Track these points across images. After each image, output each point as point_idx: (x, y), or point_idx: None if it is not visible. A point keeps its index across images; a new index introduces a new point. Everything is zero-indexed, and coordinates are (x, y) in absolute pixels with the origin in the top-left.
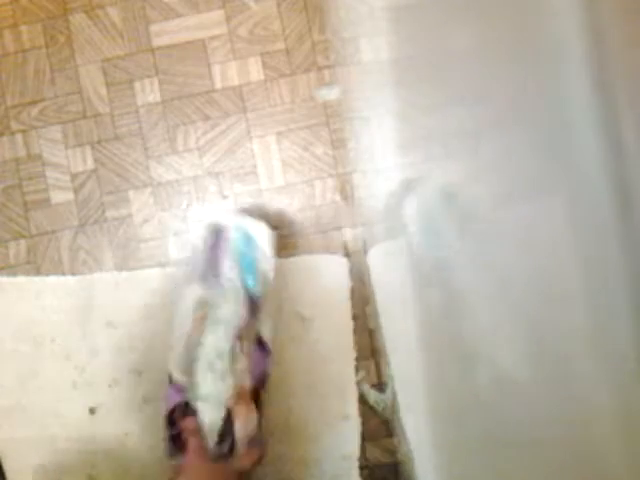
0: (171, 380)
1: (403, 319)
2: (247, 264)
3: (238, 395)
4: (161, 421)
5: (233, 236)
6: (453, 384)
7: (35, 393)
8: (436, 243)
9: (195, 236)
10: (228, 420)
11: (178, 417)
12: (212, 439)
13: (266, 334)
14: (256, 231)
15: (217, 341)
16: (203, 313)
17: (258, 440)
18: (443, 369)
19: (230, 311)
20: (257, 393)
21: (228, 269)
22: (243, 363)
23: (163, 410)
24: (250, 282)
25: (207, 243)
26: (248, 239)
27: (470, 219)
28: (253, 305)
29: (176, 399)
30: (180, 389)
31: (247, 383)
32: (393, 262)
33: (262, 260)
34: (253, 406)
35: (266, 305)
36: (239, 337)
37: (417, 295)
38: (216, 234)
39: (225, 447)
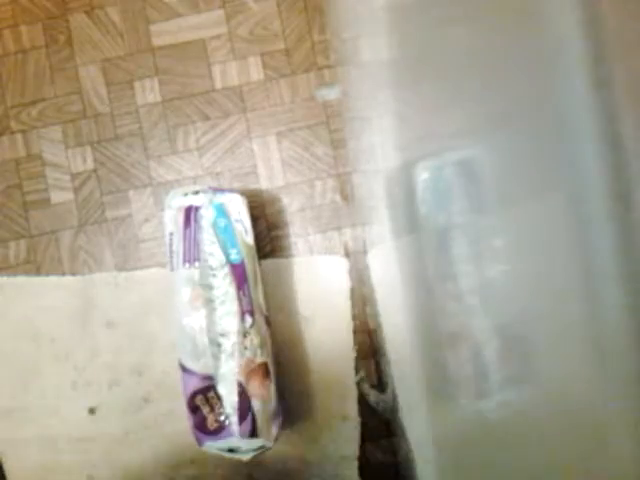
0: (184, 368)
1: (403, 319)
2: (228, 238)
3: (251, 371)
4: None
5: (208, 212)
6: (453, 383)
7: (35, 393)
8: (444, 214)
9: (167, 220)
10: (245, 398)
11: (200, 402)
12: (233, 418)
13: (262, 302)
14: (229, 202)
15: (218, 320)
16: (196, 294)
17: (278, 412)
18: (443, 367)
19: (222, 287)
20: (266, 366)
21: (208, 245)
22: (254, 338)
23: (184, 397)
24: (233, 257)
25: (181, 225)
26: (224, 212)
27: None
28: (240, 275)
29: (195, 385)
30: (195, 375)
31: (260, 358)
32: (393, 262)
33: (241, 231)
34: (268, 381)
35: (251, 270)
36: (244, 312)
37: (416, 287)
38: (188, 213)
39: (247, 426)
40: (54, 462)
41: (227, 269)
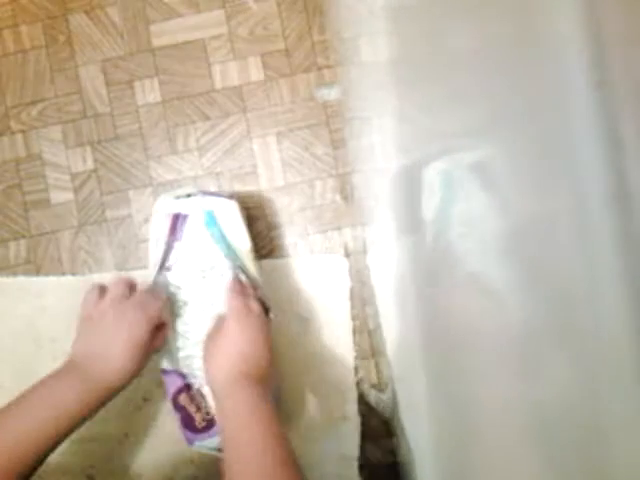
0: (164, 371)
1: (403, 319)
2: (215, 244)
3: None
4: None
5: (197, 218)
6: (454, 385)
7: None
8: (445, 214)
9: (155, 225)
10: None
11: (184, 401)
12: None
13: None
14: (220, 207)
15: (193, 321)
16: (177, 299)
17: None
18: (444, 368)
19: (206, 293)
20: None
21: (196, 251)
22: None
23: (169, 396)
24: (221, 262)
25: (167, 231)
26: (213, 218)
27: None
28: (241, 280)
29: (177, 384)
30: (175, 374)
31: None
32: (393, 262)
33: (231, 236)
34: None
35: (253, 272)
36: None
37: (419, 286)
38: (175, 220)
39: None
40: (54, 462)
41: (213, 274)
